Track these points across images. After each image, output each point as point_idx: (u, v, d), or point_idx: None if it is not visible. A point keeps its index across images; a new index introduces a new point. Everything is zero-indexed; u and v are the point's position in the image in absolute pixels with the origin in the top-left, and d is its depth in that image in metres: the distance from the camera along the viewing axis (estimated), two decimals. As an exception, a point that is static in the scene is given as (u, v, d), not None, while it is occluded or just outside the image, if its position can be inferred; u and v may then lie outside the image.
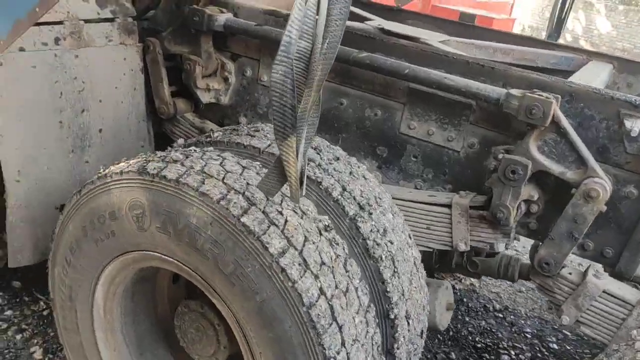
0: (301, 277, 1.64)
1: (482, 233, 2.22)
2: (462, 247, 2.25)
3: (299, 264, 1.66)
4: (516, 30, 13.16)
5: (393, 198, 2.21)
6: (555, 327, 3.74)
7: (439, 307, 2.44)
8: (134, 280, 2.12)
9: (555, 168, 2.04)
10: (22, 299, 3.17)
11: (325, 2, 1.29)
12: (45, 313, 3.09)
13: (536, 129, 2.02)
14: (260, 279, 1.66)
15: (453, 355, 3.29)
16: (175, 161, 1.85)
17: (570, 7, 4.62)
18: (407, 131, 2.44)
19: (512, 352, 3.42)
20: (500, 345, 3.47)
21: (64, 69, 2.39)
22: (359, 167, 2.17)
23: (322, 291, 1.67)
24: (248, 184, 1.78)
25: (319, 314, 1.64)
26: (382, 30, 2.86)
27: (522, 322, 3.76)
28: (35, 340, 2.91)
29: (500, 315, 3.79)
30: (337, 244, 1.82)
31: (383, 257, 1.93)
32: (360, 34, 2.51)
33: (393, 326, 1.94)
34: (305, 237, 1.73)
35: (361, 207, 1.98)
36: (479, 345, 3.42)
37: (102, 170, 1.95)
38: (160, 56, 2.77)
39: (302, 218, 1.78)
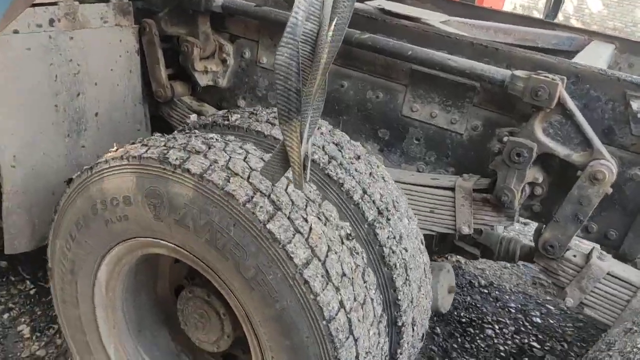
0: (323, 289, 1.61)
1: (486, 216, 2.21)
2: (466, 230, 2.24)
3: (322, 276, 1.62)
4: (507, 9, 13.06)
5: (396, 181, 2.18)
6: (539, 301, 3.79)
7: (441, 290, 2.44)
8: (139, 260, 2.07)
9: (560, 150, 2.03)
10: (9, 279, 3.15)
11: (333, -17, 1.25)
12: (32, 292, 3.08)
13: (541, 111, 2.00)
14: (281, 287, 1.61)
15: (438, 330, 3.32)
16: (197, 152, 1.77)
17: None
18: (410, 113, 2.41)
19: (496, 327, 3.46)
20: (485, 320, 3.50)
21: (59, 51, 2.33)
22: (378, 167, 2.11)
23: (342, 304, 1.64)
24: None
25: (337, 328, 1.62)
26: (383, 10, 2.81)
27: (507, 297, 3.80)
28: (23, 319, 2.91)
29: (485, 291, 3.83)
30: (357, 253, 1.79)
31: (397, 264, 1.89)
32: (362, 14, 2.46)
33: (399, 333, 1.92)
34: (329, 246, 1.69)
35: (380, 212, 1.94)
36: (463, 320, 3.46)
37: (115, 148, 1.88)
38: (156, 38, 2.71)
39: (325, 225, 1.74)
